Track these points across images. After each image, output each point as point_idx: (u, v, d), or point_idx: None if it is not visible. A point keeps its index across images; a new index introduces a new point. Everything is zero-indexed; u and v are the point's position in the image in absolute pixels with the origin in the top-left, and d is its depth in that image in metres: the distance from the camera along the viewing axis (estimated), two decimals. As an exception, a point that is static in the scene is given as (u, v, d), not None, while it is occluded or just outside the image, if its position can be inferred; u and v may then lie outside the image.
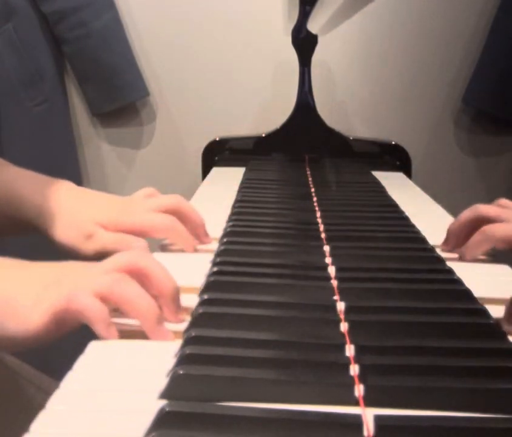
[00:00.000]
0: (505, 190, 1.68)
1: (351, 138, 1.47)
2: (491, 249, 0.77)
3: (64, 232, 0.78)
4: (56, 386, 0.44)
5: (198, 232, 0.79)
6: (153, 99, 1.66)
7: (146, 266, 0.54)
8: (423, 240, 0.80)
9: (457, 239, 0.79)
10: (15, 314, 0.51)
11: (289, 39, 1.45)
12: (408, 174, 1.40)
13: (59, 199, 0.79)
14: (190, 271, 0.69)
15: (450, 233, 0.80)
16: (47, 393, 0.42)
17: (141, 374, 0.46)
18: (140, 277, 0.54)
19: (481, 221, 0.77)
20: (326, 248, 0.74)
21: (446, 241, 0.80)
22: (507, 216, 0.77)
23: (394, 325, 0.53)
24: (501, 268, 0.74)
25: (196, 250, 0.77)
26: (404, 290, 0.62)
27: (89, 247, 0.77)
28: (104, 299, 0.51)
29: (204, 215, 0.95)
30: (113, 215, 0.78)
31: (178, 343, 0.50)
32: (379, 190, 1.12)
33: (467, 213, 0.79)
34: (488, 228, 0.75)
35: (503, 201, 0.81)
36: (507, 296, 0.57)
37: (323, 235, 0.80)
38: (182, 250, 0.77)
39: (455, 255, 0.77)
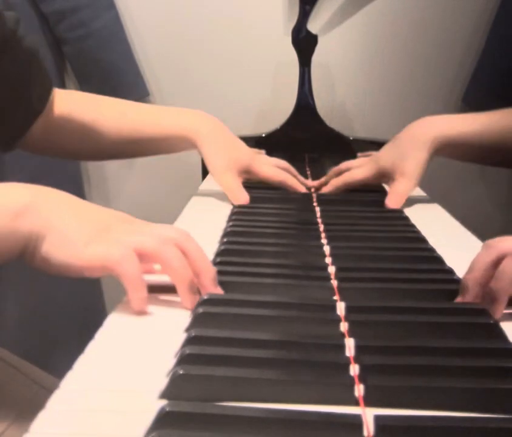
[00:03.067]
0: (505, 190, 1.68)
1: (351, 138, 1.47)
2: None
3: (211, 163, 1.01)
4: (58, 384, 0.44)
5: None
6: (153, 99, 1.66)
7: (189, 248, 0.58)
8: (423, 240, 0.80)
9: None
10: (71, 245, 0.56)
11: (289, 39, 1.45)
12: (408, 174, 1.39)
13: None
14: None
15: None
16: (50, 391, 0.43)
17: (141, 374, 0.46)
18: (183, 252, 0.58)
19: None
20: (326, 248, 0.74)
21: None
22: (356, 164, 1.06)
23: (394, 325, 0.53)
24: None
25: None
26: (404, 290, 0.62)
27: (221, 183, 1.00)
28: (146, 256, 0.57)
29: (204, 215, 0.95)
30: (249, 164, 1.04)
31: (177, 343, 0.50)
32: (379, 190, 1.12)
33: (340, 165, 1.08)
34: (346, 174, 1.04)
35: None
36: None
37: (323, 235, 0.80)
38: None
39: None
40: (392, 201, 0.97)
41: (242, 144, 1.07)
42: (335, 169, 1.08)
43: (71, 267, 0.56)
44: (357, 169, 1.05)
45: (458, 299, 0.60)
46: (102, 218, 0.60)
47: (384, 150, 1.04)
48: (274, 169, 1.05)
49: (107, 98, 1.04)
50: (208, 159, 1.01)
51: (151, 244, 0.57)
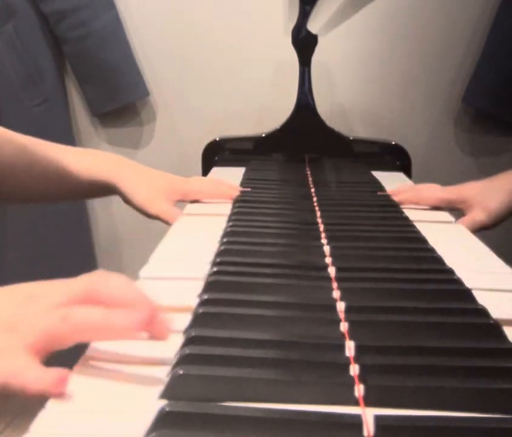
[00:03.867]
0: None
1: (351, 138, 1.47)
2: None
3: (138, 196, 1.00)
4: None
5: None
6: (153, 99, 1.66)
7: (104, 289, 0.48)
8: (423, 240, 0.80)
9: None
10: None
11: (289, 39, 1.45)
12: (408, 174, 1.40)
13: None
14: (190, 271, 0.69)
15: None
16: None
17: (141, 374, 0.46)
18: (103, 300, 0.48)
19: None
20: (326, 248, 0.74)
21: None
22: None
23: (394, 325, 0.53)
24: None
25: None
26: (404, 290, 0.62)
27: (153, 211, 0.99)
28: (56, 341, 0.46)
29: (204, 215, 0.96)
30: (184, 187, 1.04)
31: (177, 343, 0.50)
32: (379, 190, 1.12)
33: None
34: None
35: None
36: None
37: (323, 235, 0.80)
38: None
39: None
40: (465, 223, 0.97)
41: (165, 174, 1.07)
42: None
43: None
44: (436, 189, 1.04)
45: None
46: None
47: (471, 184, 1.05)
48: (208, 184, 1.07)
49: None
50: (134, 197, 1.01)
51: (53, 326, 0.45)
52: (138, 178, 1.02)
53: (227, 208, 0.96)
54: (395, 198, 1.03)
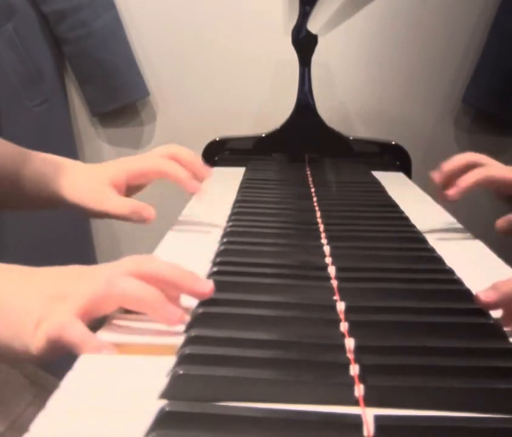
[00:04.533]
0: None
1: (351, 138, 1.47)
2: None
3: (75, 191, 0.86)
4: (58, 384, 0.44)
5: (197, 172, 0.89)
6: (153, 99, 1.66)
7: (150, 268, 0.54)
8: (423, 240, 0.80)
9: (449, 175, 0.87)
10: (19, 334, 0.51)
11: (289, 39, 1.45)
12: (408, 174, 1.40)
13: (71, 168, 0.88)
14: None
15: (444, 167, 0.87)
16: (50, 391, 0.43)
17: (141, 374, 0.46)
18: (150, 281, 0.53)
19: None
20: (326, 248, 0.74)
21: (439, 174, 0.87)
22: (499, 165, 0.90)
23: (394, 325, 0.53)
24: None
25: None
26: (404, 290, 0.62)
27: (98, 208, 0.85)
28: (101, 305, 0.52)
29: (204, 215, 0.95)
30: (123, 165, 0.89)
31: (177, 343, 0.50)
32: (379, 190, 1.12)
33: (461, 156, 0.89)
34: (483, 168, 0.87)
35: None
36: None
37: (323, 235, 0.80)
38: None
39: None
40: None
41: (108, 163, 0.91)
42: (455, 164, 0.90)
43: (22, 355, 0.51)
44: (499, 167, 0.90)
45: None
46: (49, 283, 0.54)
47: None
48: (154, 160, 0.90)
49: None
50: (71, 197, 0.87)
51: (100, 291, 0.52)
52: (76, 178, 0.88)
53: (227, 208, 0.96)
54: (457, 191, 0.87)
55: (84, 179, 0.87)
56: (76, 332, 0.50)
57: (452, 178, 0.89)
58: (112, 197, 0.86)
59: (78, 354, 0.49)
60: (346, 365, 0.45)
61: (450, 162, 0.90)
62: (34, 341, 0.51)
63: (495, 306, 0.55)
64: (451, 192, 0.87)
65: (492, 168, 0.89)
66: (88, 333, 0.50)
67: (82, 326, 0.50)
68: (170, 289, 0.54)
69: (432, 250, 0.75)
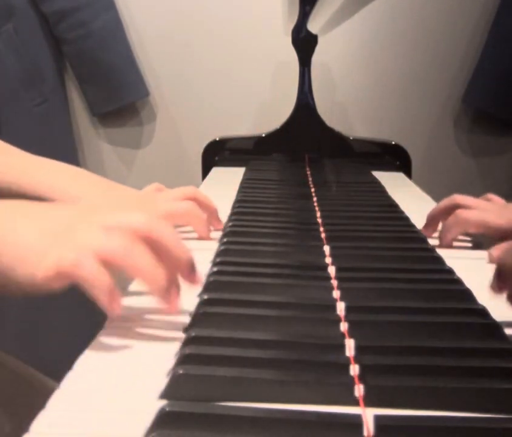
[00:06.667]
0: (505, 190, 1.68)
1: (351, 138, 1.47)
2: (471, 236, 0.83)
3: None
4: (58, 385, 0.44)
5: (212, 219, 0.86)
6: (153, 99, 1.66)
7: (161, 236, 0.53)
8: (423, 240, 0.80)
9: (435, 224, 0.85)
10: (24, 261, 0.51)
11: (289, 39, 1.45)
12: (408, 174, 1.40)
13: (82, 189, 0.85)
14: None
15: (429, 218, 0.86)
16: (50, 391, 0.43)
17: (141, 374, 0.46)
18: (154, 243, 0.53)
19: (458, 209, 0.82)
20: (326, 248, 0.74)
21: (426, 226, 0.86)
22: (483, 205, 0.84)
23: (394, 325, 0.53)
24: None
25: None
26: (404, 290, 0.62)
27: None
28: (110, 263, 0.51)
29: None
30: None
31: (177, 343, 0.50)
32: (379, 190, 1.12)
33: (445, 201, 0.85)
34: (459, 212, 0.81)
35: (490, 195, 0.88)
36: None
37: (323, 235, 0.80)
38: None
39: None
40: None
41: (130, 193, 0.93)
42: (440, 209, 0.85)
43: (28, 284, 0.51)
44: (488, 212, 0.81)
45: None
46: (62, 218, 0.55)
47: None
48: (176, 205, 0.85)
49: None
50: None
51: (113, 249, 0.51)
52: (98, 193, 0.88)
53: (227, 208, 0.96)
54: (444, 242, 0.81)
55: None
56: (90, 268, 0.50)
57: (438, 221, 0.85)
58: None
59: (89, 291, 0.50)
60: (346, 365, 0.45)
61: (434, 211, 0.85)
62: (42, 269, 0.50)
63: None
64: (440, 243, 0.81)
65: (469, 212, 0.81)
66: (102, 271, 0.50)
67: (96, 263, 0.50)
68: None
69: (432, 250, 0.75)
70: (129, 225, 0.53)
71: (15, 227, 0.53)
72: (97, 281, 0.50)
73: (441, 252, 0.75)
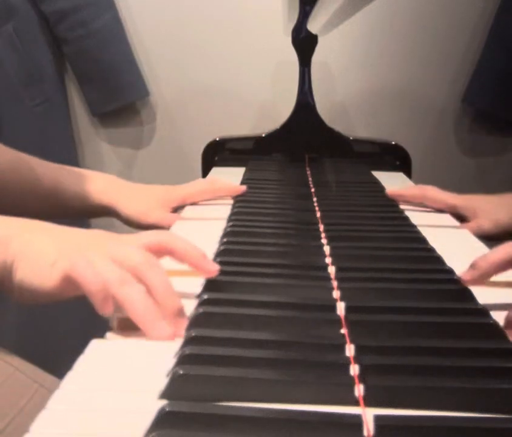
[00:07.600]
0: (505, 190, 1.68)
1: (351, 138, 1.47)
2: None
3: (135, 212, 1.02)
4: (58, 384, 0.44)
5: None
6: (153, 99, 1.66)
7: (152, 280, 0.55)
8: (423, 240, 0.80)
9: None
10: (38, 272, 0.57)
11: (289, 39, 1.45)
12: (408, 174, 1.40)
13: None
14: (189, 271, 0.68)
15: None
16: (50, 391, 0.43)
17: (141, 374, 0.46)
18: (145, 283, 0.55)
19: None
20: (326, 248, 0.74)
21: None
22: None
23: (394, 325, 0.53)
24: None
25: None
26: (404, 290, 0.62)
27: (150, 220, 1.00)
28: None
29: (204, 215, 0.95)
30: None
31: (178, 343, 0.50)
32: (379, 190, 1.12)
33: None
34: (423, 186, 0.94)
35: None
36: None
37: (323, 235, 0.80)
38: None
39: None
40: (470, 228, 0.95)
41: (159, 186, 1.08)
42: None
43: (40, 291, 0.56)
44: (442, 192, 1.03)
45: (467, 275, 0.65)
46: (75, 239, 0.61)
47: (479, 196, 1.04)
48: (204, 183, 1.08)
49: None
50: (131, 216, 1.02)
51: (112, 280, 0.53)
52: (133, 195, 1.03)
53: (225, 211, 0.96)
54: (400, 193, 1.03)
55: (138, 197, 1.03)
56: (88, 271, 0.53)
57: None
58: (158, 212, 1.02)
59: (86, 293, 0.53)
60: (346, 365, 0.45)
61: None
62: (52, 278, 0.55)
63: (476, 282, 0.62)
64: None
65: (437, 191, 1.03)
66: (100, 274, 0.53)
67: (94, 268, 0.53)
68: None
69: (432, 250, 0.75)
70: (127, 260, 0.56)
71: (33, 242, 0.58)
72: (90, 284, 0.53)
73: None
